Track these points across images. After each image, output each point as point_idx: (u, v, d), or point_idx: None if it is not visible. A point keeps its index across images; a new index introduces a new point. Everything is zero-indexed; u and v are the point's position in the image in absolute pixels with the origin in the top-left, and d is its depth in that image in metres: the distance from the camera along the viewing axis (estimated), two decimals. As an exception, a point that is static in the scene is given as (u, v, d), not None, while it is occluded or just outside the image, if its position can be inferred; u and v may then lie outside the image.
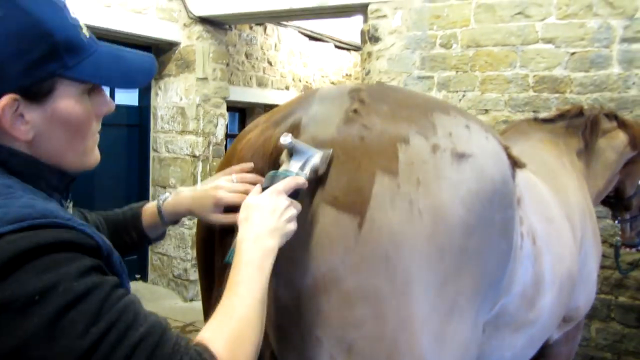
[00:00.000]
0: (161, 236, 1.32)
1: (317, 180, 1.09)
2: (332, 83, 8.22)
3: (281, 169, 1.07)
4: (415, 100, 1.25)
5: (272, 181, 1.04)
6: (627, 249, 2.85)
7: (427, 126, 1.17)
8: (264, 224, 0.95)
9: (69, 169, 0.89)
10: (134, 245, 1.28)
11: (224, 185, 1.11)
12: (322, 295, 1.07)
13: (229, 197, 1.09)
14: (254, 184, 1.09)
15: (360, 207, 1.07)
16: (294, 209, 1.02)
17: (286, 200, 1.00)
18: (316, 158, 1.07)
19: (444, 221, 1.10)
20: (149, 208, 1.27)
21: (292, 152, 1.07)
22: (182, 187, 1.21)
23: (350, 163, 1.09)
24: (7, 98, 0.76)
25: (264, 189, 1.03)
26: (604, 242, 3.14)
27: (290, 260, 1.08)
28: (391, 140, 1.12)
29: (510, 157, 1.31)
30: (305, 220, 1.08)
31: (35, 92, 0.79)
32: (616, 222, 2.81)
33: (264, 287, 0.90)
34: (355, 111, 1.15)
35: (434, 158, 1.13)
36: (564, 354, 2.21)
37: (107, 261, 0.79)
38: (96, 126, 0.91)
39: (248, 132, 1.25)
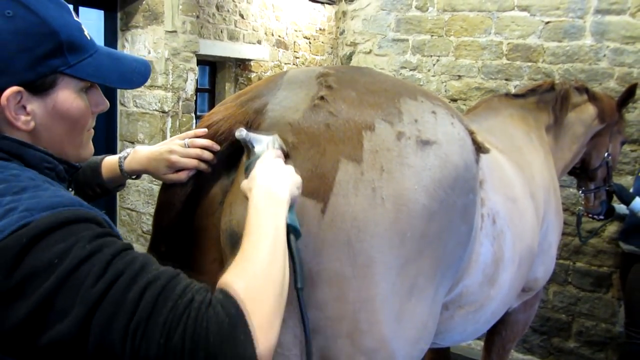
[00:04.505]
0: (121, 187, 1.42)
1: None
2: (306, 37, 8.03)
3: (251, 158, 1.08)
4: (383, 85, 1.24)
5: (248, 167, 1.05)
6: (591, 217, 2.93)
7: (393, 112, 1.16)
8: (270, 181, 0.98)
9: (69, 160, 0.97)
10: (95, 197, 1.39)
11: (177, 149, 1.19)
12: (284, 278, 1.08)
13: (182, 162, 1.18)
14: (206, 148, 1.17)
15: (324, 193, 1.07)
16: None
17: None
18: (276, 139, 1.10)
19: (406, 208, 1.11)
20: (108, 162, 1.36)
21: (250, 144, 1.09)
22: (140, 146, 1.32)
23: (315, 149, 1.09)
24: (12, 90, 0.83)
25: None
26: (566, 209, 3.23)
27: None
28: (357, 128, 1.11)
29: (475, 142, 1.32)
30: None
31: (38, 85, 0.86)
32: (580, 192, 2.88)
33: (276, 234, 0.90)
34: (322, 98, 1.14)
35: (398, 146, 1.13)
36: (522, 321, 2.31)
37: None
38: (91, 122, 0.99)
39: (212, 112, 1.23)
